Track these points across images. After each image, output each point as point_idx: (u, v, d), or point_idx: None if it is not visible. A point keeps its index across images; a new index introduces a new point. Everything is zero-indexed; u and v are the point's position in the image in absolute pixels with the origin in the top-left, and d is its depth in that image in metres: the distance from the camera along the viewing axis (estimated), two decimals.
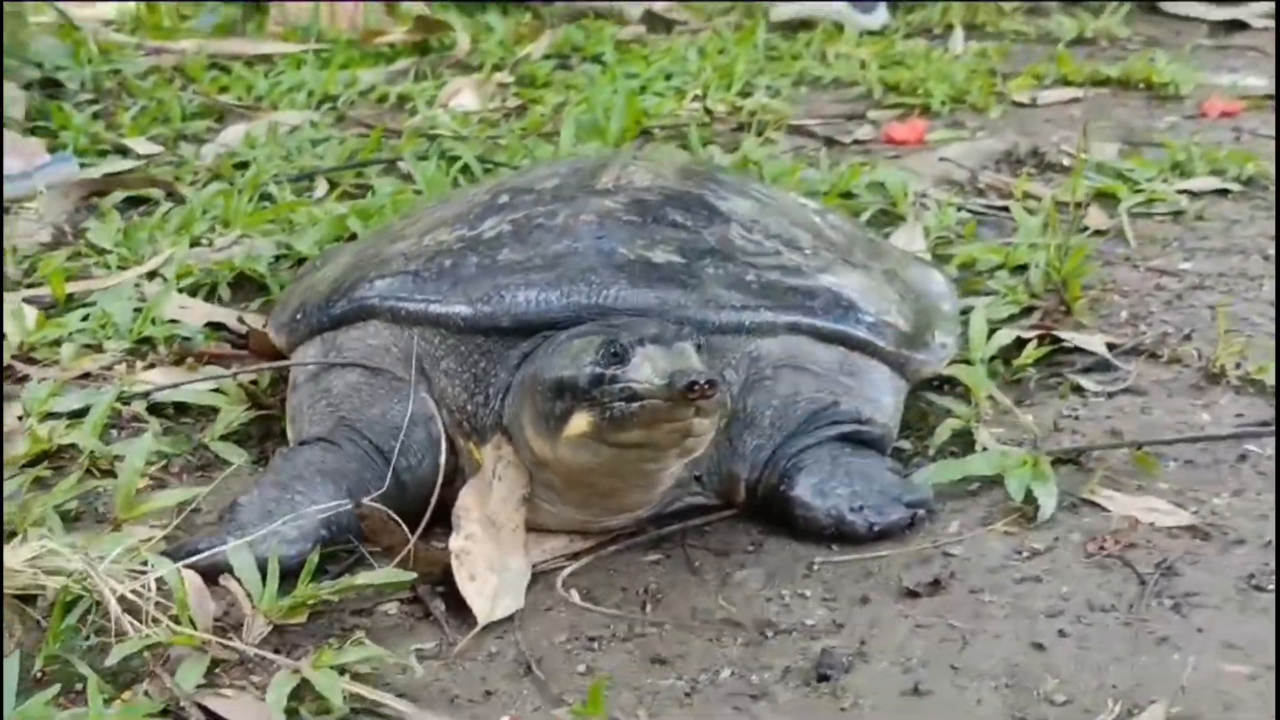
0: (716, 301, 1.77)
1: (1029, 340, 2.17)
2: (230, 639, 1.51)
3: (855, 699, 1.47)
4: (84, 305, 2.29)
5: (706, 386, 1.49)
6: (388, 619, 1.61)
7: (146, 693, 1.45)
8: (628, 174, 1.98)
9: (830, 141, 3.23)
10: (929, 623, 1.59)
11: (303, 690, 1.46)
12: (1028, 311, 2.31)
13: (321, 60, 3.79)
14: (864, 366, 1.86)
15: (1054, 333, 2.19)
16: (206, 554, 1.58)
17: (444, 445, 1.70)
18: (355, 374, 1.82)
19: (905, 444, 1.93)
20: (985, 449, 1.89)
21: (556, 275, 1.76)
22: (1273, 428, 1.94)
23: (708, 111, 3.27)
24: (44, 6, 3.81)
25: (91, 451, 1.88)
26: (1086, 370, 2.15)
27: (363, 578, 1.59)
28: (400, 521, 1.60)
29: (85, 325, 2.22)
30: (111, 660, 1.45)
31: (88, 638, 1.49)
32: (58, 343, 2.18)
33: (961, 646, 1.55)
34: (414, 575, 1.59)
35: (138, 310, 2.24)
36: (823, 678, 1.50)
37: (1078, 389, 2.10)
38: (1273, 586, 1.63)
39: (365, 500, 1.62)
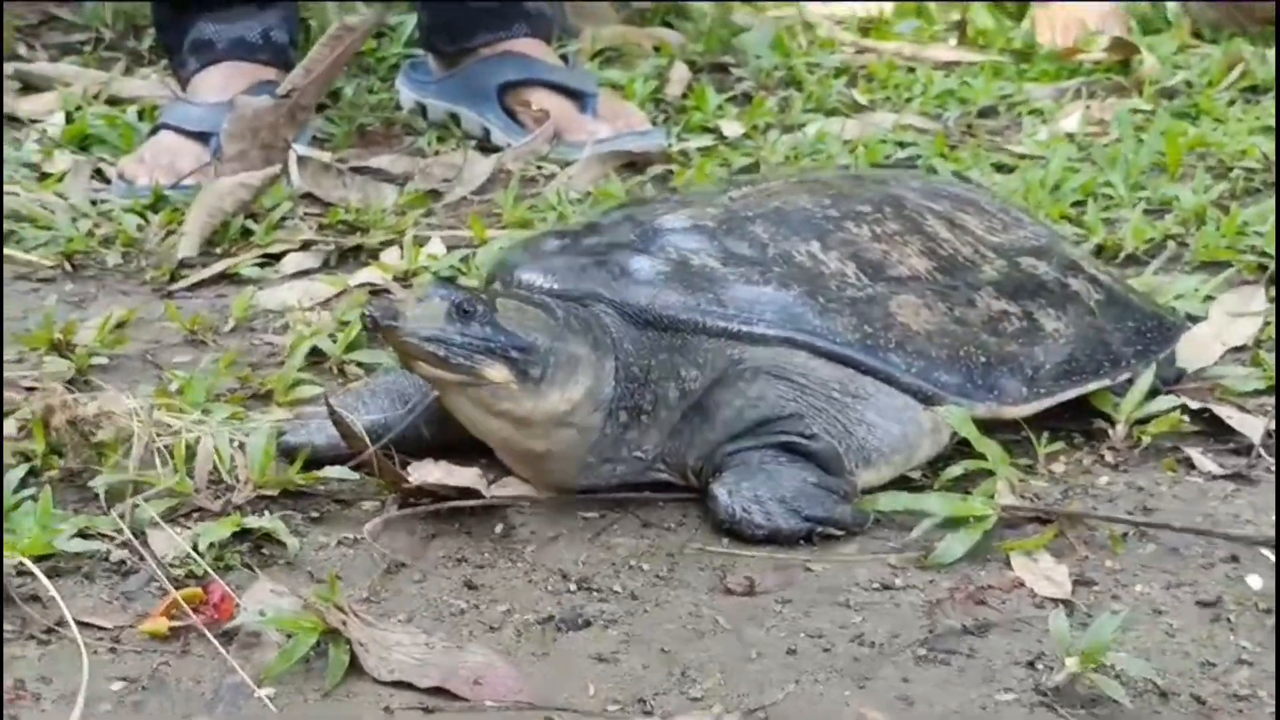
0: (708, 307, 1.96)
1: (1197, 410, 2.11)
2: (217, 497, 1.98)
3: (559, 651, 1.68)
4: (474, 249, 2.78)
5: (367, 319, 1.80)
6: (356, 511, 1.99)
7: (121, 516, 1.94)
8: (774, 188, 2.17)
9: None
10: (702, 614, 1.74)
11: (230, 542, 1.89)
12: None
13: (1014, 71, 3.97)
14: (871, 390, 1.96)
15: (1211, 408, 2.11)
16: (236, 430, 2.05)
17: None
18: None
19: (915, 474, 2.00)
20: (992, 495, 1.93)
21: (590, 261, 2.03)
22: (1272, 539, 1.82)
23: None
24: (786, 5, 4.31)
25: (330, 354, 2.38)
26: (1235, 451, 2.07)
27: (326, 471, 1.99)
28: (364, 434, 1.97)
29: (455, 264, 2.71)
30: (96, 484, 1.96)
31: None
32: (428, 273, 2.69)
33: (693, 639, 1.69)
34: (356, 478, 1.97)
35: None
36: (558, 627, 1.72)
37: (1190, 464, 2.03)
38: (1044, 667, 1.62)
39: (340, 413, 1.99)
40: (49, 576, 1.78)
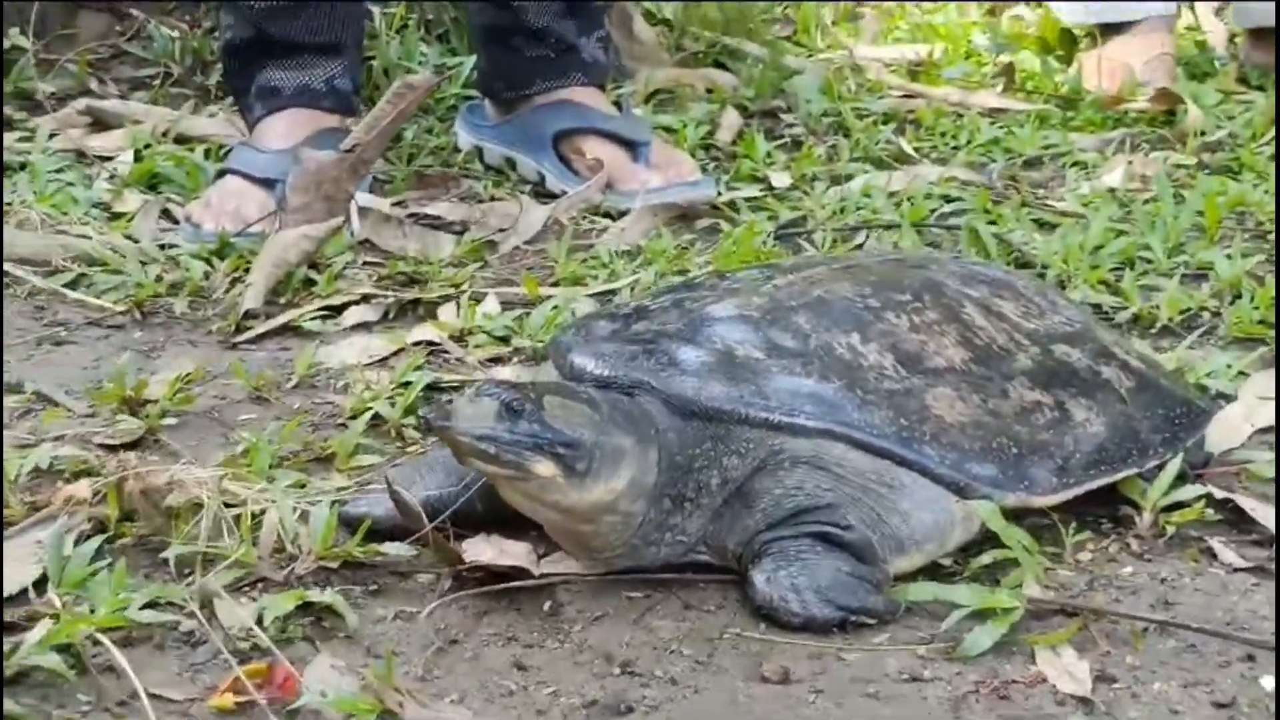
0: (751, 399, 2.05)
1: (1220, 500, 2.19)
2: (281, 567, 2.08)
3: None
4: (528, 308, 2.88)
5: (423, 421, 1.86)
6: (412, 584, 2.09)
7: (189, 586, 2.04)
8: (818, 275, 2.26)
9: None
10: (738, 702, 1.83)
11: (293, 614, 2.00)
12: None
13: (1059, 119, 4.05)
14: (906, 481, 2.05)
15: (1234, 498, 2.19)
16: (300, 499, 2.15)
17: None
18: None
19: (946, 560, 2.09)
20: (1019, 585, 2.01)
21: (639, 349, 2.12)
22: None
23: None
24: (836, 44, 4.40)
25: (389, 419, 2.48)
26: (1257, 543, 2.15)
27: (385, 546, 2.09)
28: (420, 512, 2.07)
29: (509, 324, 2.82)
30: (168, 554, 2.07)
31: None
32: (482, 332, 2.80)
33: None
34: (414, 551, 2.08)
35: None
36: (602, 713, 1.82)
37: (1213, 555, 2.12)
38: None
39: (400, 492, 2.09)
40: (122, 645, 1.89)
